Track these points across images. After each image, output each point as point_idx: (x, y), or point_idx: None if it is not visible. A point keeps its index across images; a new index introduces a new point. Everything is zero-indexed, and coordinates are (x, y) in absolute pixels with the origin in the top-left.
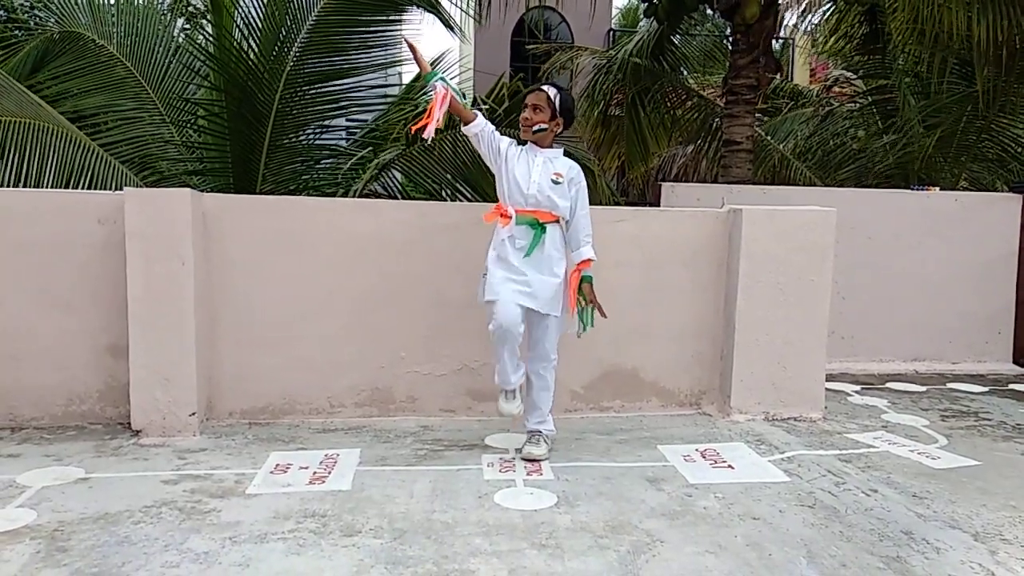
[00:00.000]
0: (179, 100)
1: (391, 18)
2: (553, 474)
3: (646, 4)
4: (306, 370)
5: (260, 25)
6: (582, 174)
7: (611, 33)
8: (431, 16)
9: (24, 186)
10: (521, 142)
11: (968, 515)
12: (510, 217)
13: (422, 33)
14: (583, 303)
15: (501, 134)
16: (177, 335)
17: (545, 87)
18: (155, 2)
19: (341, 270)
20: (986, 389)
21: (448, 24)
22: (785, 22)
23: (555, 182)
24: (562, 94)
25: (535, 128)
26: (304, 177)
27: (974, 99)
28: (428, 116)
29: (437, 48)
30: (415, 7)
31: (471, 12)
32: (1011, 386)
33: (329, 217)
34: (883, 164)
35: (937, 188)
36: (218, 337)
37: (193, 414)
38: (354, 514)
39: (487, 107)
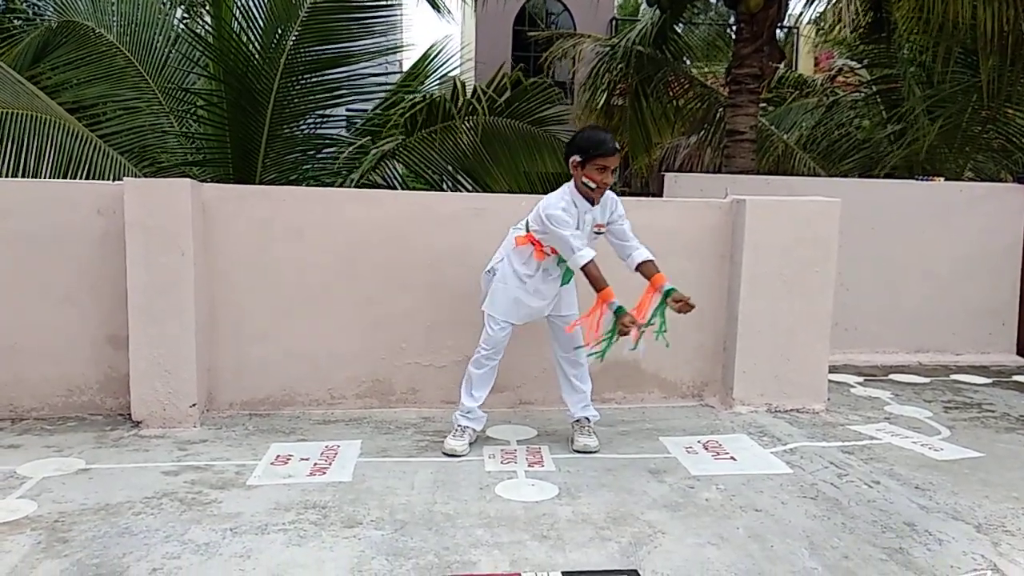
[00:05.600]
0: (178, 90)
1: (385, 3)
2: (555, 465)
3: None
4: (306, 361)
5: (258, 14)
6: (615, 200)
7: (614, 21)
8: (429, 4)
9: (22, 177)
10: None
11: (971, 507)
12: (547, 254)
13: (414, 20)
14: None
15: (500, 124)
16: (177, 326)
17: (618, 145)
18: None
19: (341, 260)
20: (989, 381)
21: (436, 6)
22: (789, 11)
23: (597, 233)
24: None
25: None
26: (304, 167)
27: (979, 89)
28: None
29: (436, 36)
30: None
31: (468, 1)
32: (1014, 378)
33: (329, 207)
34: (888, 154)
35: (942, 178)
36: (218, 328)
37: (193, 405)
38: (355, 505)
39: (487, 97)
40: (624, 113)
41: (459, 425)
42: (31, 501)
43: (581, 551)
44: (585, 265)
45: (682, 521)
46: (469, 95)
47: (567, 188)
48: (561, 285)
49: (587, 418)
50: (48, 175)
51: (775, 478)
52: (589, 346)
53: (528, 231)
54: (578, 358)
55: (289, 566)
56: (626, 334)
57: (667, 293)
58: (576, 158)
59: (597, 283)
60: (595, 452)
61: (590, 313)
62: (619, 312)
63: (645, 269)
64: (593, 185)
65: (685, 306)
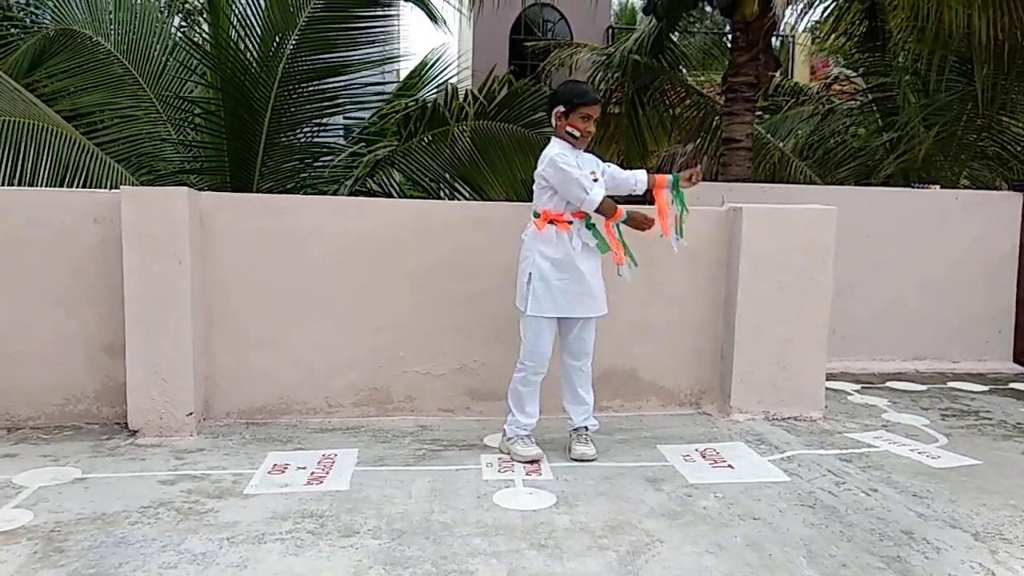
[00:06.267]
0: (176, 98)
1: (382, 14)
2: (552, 474)
3: (645, 1)
4: (304, 369)
5: (256, 23)
6: (597, 159)
7: (610, 30)
8: (425, 14)
9: (18, 185)
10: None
11: (968, 514)
12: (570, 223)
13: (412, 29)
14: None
15: (494, 128)
16: (174, 335)
17: (599, 95)
18: (152, 0)
19: (339, 269)
20: (986, 388)
21: (432, 16)
22: (785, 19)
23: (595, 180)
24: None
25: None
26: (301, 175)
27: (974, 97)
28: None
29: (434, 45)
30: (404, 0)
31: (463, 8)
32: (1011, 385)
33: (327, 215)
34: (883, 162)
35: (937, 186)
36: (215, 336)
37: (190, 414)
38: (352, 514)
39: (478, 102)
40: (620, 121)
41: (520, 436)
42: (27, 511)
43: (579, 560)
44: (603, 202)
45: (680, 529)
46: (462, 99)
47: (554, 141)
48: (602, 252)
49: (586, 427)
50: (45, 183)
51: (773, 486)
52: (621, 265)
53: (540, 214)
54: (586, 368)
55: (286, 575)
56: (646, 228)
57: (675, 181)
58: (560, 109)
59: (609, 210)
60: (592, 460)
61: (613, 244)
62: (626, 219)
63: (651, 182)
64: (577, 134)
65: (696, 174)
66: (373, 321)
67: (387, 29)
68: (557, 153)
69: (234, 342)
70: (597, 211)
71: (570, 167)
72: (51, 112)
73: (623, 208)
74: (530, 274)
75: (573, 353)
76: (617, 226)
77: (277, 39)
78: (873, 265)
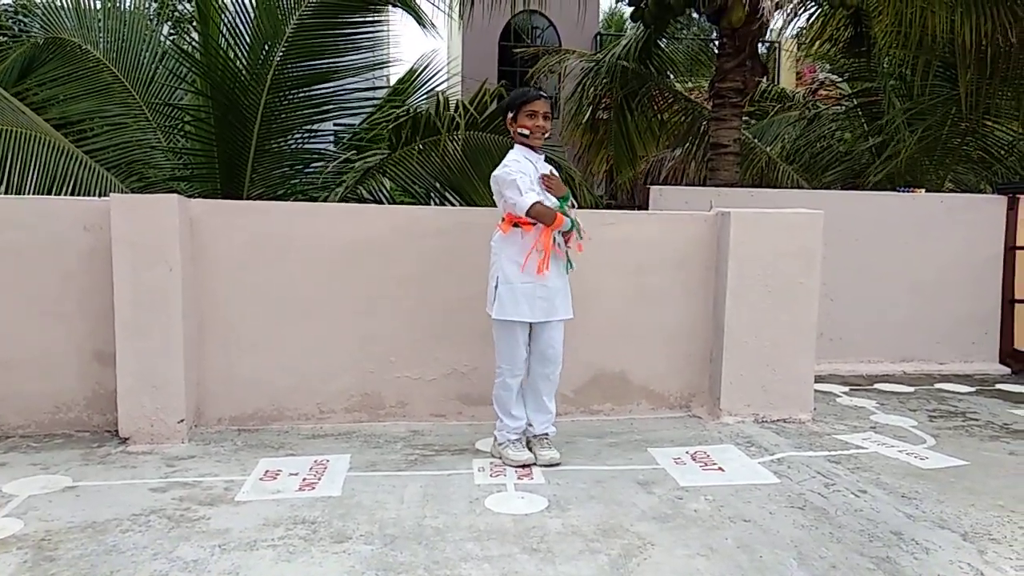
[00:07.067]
0: (165, 106)
1: (371, 19)
2: (544, 478)
3: (632, 8)
4: (295, 375)
5: (245, 30)
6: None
7: (598, 37)
8: (414, 19)
9: (7, 194)
10: (505, 144)
11: (957, 515)
12: (533, 224)
13: (401, 35)
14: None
15: (485, 139)
16: (165, 341)
17: (543, 92)
18: (141, 8)
19: (330, 275)
20: (973, 389)
21: (421, 21)
22: (771, 25)
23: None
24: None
25: (546, 135)
26: (292, 182)
27: (958, 101)
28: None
29: (423, 51)
30: (393, 7)
31: (453, 14)
32: (998, 386)
33: (318, 222)
34: (869, 166)
35: (923, 190)
36: (206, 343)
37: (181, 421)
38: (344, 520)
39: (469, 114)
40: (609, 127)
41: (511, 440)
42: (17, 519)
43: (571, 564)
44: (532, 207)
45: (671, 532)
46: (453, 110)
47: (512, 149)
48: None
49: (547, 434)
50: (33, 191)
51: (763, 488)
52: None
53: (504, 218)
54: (553, 376)
55: None
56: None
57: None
58: (508, 116)
59: (546, 217)
60: (559, 464)
61: (545, 246)
62: (573, 226)
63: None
64: (527, 132)
65: (546, 179)
66: (364, 326)
67: (376, 35)
68: (507, 160)
69: (225, 348)
70: (531, 215)
71: (510, 172)
72: (40, 120)
73: (565, 218)
74: (497, 278)
75: (542, 360)
76: (555, 236)
77: (266, 46)
78: (860, 268)
